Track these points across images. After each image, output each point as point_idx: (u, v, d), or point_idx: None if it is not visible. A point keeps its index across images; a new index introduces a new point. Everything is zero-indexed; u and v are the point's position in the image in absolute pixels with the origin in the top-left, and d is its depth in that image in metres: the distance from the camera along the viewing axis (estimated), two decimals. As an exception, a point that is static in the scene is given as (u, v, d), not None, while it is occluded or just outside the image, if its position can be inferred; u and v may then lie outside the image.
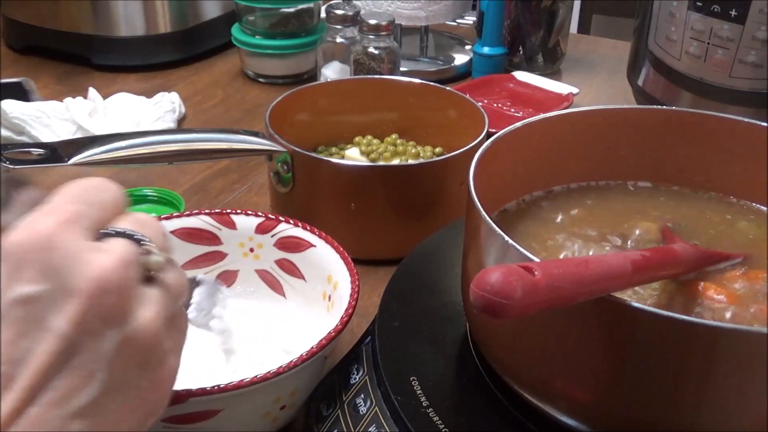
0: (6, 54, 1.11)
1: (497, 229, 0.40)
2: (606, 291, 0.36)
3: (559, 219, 0.53)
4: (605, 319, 0.38)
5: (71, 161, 0.58)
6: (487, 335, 0.46)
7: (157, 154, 0.62)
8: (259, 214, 0.58)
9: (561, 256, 0.49)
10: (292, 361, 0.45)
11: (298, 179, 0.68)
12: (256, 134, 0.67)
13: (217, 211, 0.58)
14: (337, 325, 0.48)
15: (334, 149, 0.77)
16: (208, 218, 0.58)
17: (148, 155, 0.62)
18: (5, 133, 0.82)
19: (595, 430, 0.41)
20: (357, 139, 0.77)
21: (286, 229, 0.58)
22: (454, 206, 0.66)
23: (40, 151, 0.59)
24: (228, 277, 0.60)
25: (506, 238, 0.39)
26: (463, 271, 0.48)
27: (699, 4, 0.73)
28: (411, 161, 0.74)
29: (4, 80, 0.96)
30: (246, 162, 0.83)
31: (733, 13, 0.70)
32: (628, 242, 0.50)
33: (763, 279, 0.47)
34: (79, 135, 0.83)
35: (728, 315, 0.44)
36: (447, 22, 1.14)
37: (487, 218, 0.41)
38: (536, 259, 0.37)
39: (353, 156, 0.75)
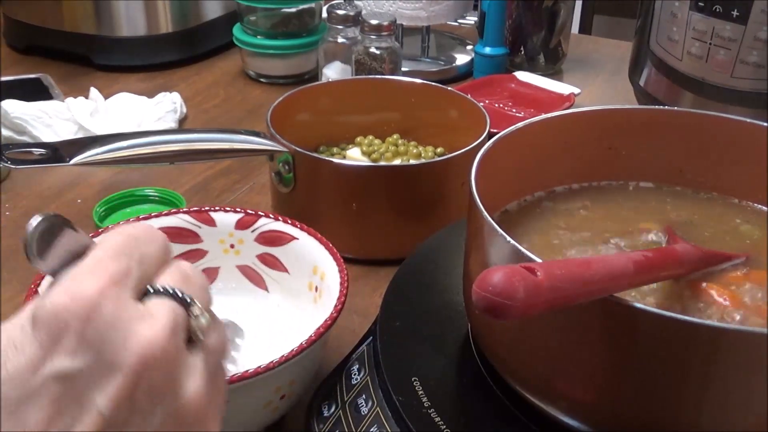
0: (8, 54, 1.11)
1: (499, 229, 0.40)
2: (608, 291, 0.36)
3: (560, 219, 0.53)
4: (607, 320, 0.38)
5: (73, 161, 0.58)
6: (488, 335, 0.46)
7: (159, 154, 0.62)
8: (239, 210, 0.58)
9: (563, 257, 0.49)
10: (292, 350, 0.45)
11: (299, 179, 0.68)
12: (257, 134, 0.67)
13: (195, 209, 0.58)
14: (332, 313, 0.48)
15: (335, 149, 0.77)
16: (187, 216, 0.58)
17: (150, 155, 0.62)
18: (7, 133, 0.82)
19: (596, 430, 0.41)
20: (358, 139, 0.77)
21: (267, 223, 0.58)
22: (456, 206, 0.66)
23: (42, 151, 0.58)
24: (209, 275, 0.59)
25: (508, 238, 0.39)
26: (464, 272, 0.48)
27: (701, 4, 0.73)
28: (412, 161, 0.74)
29: (22, 76, 0.97)
30: (247, 162, 0.83)
31: (735, 13, 0.70)
32: (630, 243, 0.50)
33: (765, 279, 0.47)
34: (80, 135, 0.83)
35: (730, 315, 0.44)
36: (448, 23, 1.14)
37: (489, 219, 0.41)
38: (538, 260, 0.37)
39: (355, 156, 0.75)
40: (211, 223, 0.58)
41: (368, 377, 0.48)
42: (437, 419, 0.43)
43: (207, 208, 0.58)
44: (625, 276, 0.37)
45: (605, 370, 0.39)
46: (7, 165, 0.56)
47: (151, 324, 0.29)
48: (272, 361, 0.44)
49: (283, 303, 0.59)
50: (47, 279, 0.46)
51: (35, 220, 0.29)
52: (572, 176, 0.56)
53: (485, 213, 0.41)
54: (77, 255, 0.31)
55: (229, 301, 0.59)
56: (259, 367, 0.44)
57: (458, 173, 0.66)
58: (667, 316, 0.35)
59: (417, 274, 0.56)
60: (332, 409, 0.48)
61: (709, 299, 0.45)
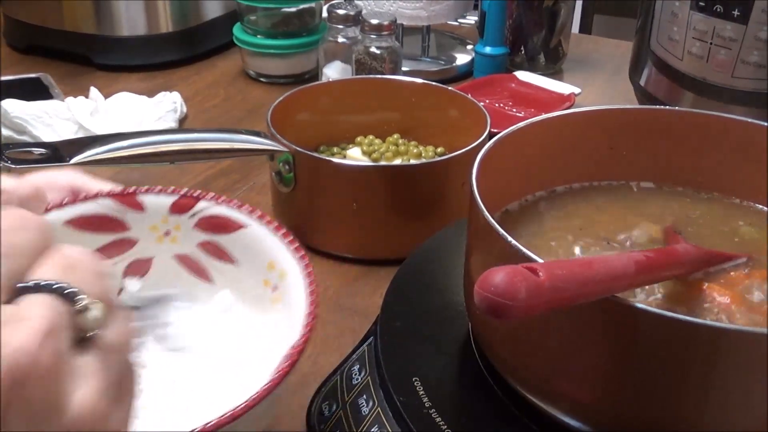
0: (8, 53, 1.11)
1: (500, 229, 0.40)
2: (609, 291, 0.36)
3: (561, 219, 0.53)
4: (608, 320, 0.37)
5: (73, 161, 0.58)
6: (489, 335, 0.46)
7: (159, 153, 0.62)
8: (173, 191, 0.50)
9: (564, 257, 0.49)
10: (248, 400, 0.37)
11: (299, 179, 0.68)
12: (257, 134, 0.67)
13: (118, 191, 0.49)
14: (299, 341, 0.40)
15: (335, 149, 0.77)
16: (108, 201, 0.49)
17: (150, 155, 0.62)
18: (6, 132, 0.82)
19: (596, 430, 0.41)
20: (359, 139, 0.77)
21: (207, 207, 0.50)
22: (456, 206, 0.66)
23: (42, 150, 0.58)
24: (140, 267, 0.52)
25: (509, 238, 0.39)
26: (465, 272, 0.48)
27: (701, 4, 0.73)
28: (413, 161, 0.74)
29: (22, 76, 0.97)
30: (247, 162, 0.83)
31: (736, 13, 0.70)
32: (631, 243, 0.50)
33: (765, 279, 0.46)
34: (80, 134, 0.83)
35: (730, 316, 0.44)
36: (449, 22, 1.14)
37: (490, 219, 0.41)
38: (540, 260, 0.37)
39: (355, 156, 0.75)
40: (139, 207, 0.50)
41: (369, 377, 0.48)
42: (438, 419, 0.43)
43: (133, 190, 0.50)
44: (626, 276, 0.37)
45: (606, 370, 0.39)
46: (7, 165, 0.56)
47: (21, 329, 0.24)
48: (224, 415, 0.36)
49: (232, 299, 0.52)
50: None
51: None
52: (573, 176, 0.56)
53: (486, 213, 0.41)
54: None
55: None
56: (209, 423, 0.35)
57: (459, 173, 0.66)
58: (668, 316, 0.35)
59: (417, 274, 0.56)
60: (333, 409, 0.48)
61: (710, 299, 0.45)
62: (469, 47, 1.11)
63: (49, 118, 0.83)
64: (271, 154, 0.68)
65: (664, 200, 0.55)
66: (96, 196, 0.48)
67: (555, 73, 1.07)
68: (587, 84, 1.03)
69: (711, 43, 0.73)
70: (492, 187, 0.46)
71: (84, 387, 0.26)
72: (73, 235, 0.47)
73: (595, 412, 0.41)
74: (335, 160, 0.71)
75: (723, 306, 0.44)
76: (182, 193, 0.50)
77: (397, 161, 0.74)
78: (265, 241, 0.48)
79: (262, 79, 1.04)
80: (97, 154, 0.60)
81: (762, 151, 0.51)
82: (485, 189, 0.44)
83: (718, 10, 0.71)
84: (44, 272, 0.27)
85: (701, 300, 0.45)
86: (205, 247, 0.51)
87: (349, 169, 0.67)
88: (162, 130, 0.81)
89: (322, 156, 0.73)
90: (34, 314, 0.25)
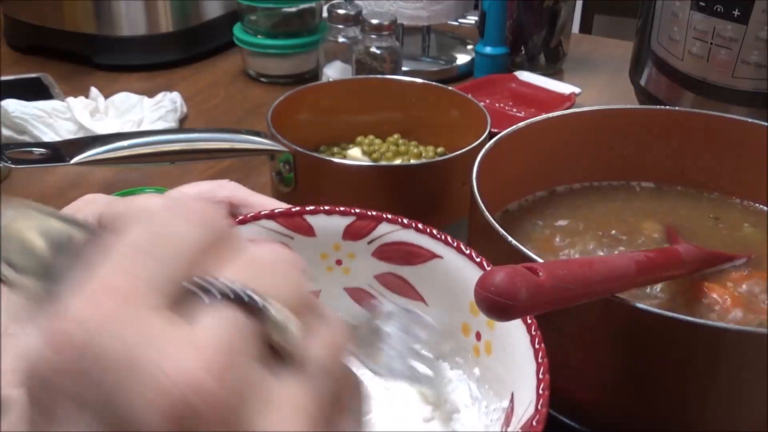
0: (8, 53, 1.11)
1: (501, 229, 0.40)
2: (610, 291, 0.36)
3: (561, 220, 0.53)
4: (609, 320, 0.37)
5: (73, 161, 0.58)
6: (489, 336, 0.45)
7: (159, 153, 0.62)
8: (348, 211, 0.42)
9: (565, 257, 0.49)
10: None
11: (300, 179, 0.68)
12: (258, 134, 0.67)
13: (283, 210, 0.41)
14: (531, 422, 0.31)
15: (336, 149, 0.77)
16: (272, 223, 0.41)
17: (150, 155, 0.62)
18: (7, 132, 0.82)
19: (597, 430, 0.41)
20: (359, 138, 0.77)
21: (390, 231, 0.41)
22: (457, 206, 0.66)
23: (42, 150, 0.58)
24: None
25: (510, 239, 0.39)
26: (465, 272, 0.48)
27: (702, 4, 0.73)
28: (413, 161, 0.74)
29: (22, 76, 0.97)
30: (248, 162, 0.83)
31: (736, 13, 0.70)
32: (632, 243, 0.50)
33: (766, 280, 0.47)
34: (80, 134, 0.83)
35: (731, 316, 0.44)
36: (449, 22, 1.14)
37: (491, 219, 0.41)
38: (540, 260, 0.37)
39: (355, 156, 0.75)
40: (309, 231, 0.42)
41: (369, 377, 0.48)
42: (438, 419, 0.43)
43: (299, 210, 0.42)
44: (626, 276, 0.37)
45: (606, 369, 0.39)
46: (7, 165, 0.56)
47: (186, 354, 0.18)
48: None
49: (411, 329, 0.38)
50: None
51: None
52: (573, 176, 0.56)
53: (487, 213, 0.41)
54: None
55: None
56: None
57: (459, 173, 0.66)
58: (669, 316, 0.35)
59: (418, 274, 0.56)
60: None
61: (711, 299, 0.45)
62: (470, 47, 1.11)
63: (49, 118, 0.83)
64: (272, 154, 0.68)
65: (664, 200, 0.55)
66: (258, 216, 0.41)
67: (555, 73, 1.07)
68: (587, 84, 1.03)
69: (711, 43, 0.73)
70: (492, 187, 0.46)
71: (278, 418, 0.20)
72: None
73: (595, 412, 0.41)
74: (335, 160, 0.71)
75: (723, 306, 0.44)
76: (358, 213, 0.42)
77: (398, 161, 0.74)
78: (464, 276, 0.38)
79: (262, 79, 1.04)
80: (97, 154, 0.60)
81: (762, 151, 0.51)
82: (485, 189, 0.44)
83: (719, 10, 0.71)
84: (227, 272, 0.21)
85: (701, 300, 0.45)
86: (386, 280, 0.42)
87: (349, 169, 0.67)
88: (162, 130, 0.81)
89: (323, 156, 0.73)
90: (207, 333, 0.19)
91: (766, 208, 0.54)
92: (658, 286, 0.45)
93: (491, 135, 0.54)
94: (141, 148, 0.61)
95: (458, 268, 0.38)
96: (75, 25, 1.04)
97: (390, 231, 0.41)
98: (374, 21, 0.88)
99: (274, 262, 0.22)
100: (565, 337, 0.40)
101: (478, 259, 0.37)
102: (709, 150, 0.54)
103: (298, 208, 0.42)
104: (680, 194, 0.56)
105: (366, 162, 0.73)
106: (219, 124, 0.93)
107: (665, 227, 0.52)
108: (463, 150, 0.66)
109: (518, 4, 1.04)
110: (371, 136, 0.77)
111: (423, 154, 0.75)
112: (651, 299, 0.45)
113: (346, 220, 0.42)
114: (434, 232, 0.40)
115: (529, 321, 0.33)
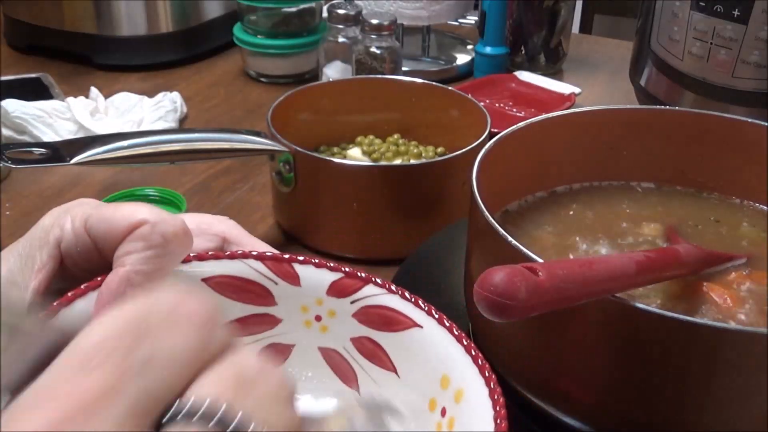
0: (8, 53, 1.11)
1: (500, 229, 0.40)
2: (610, 291, 0.36)
3: (561, 219, 0.53)
4: (609, 320, 0.37)
5: (73, 161, 0.58)
6: (489, 335, 0.46)
7: (159, 153, 0.62)
8: (337, 267, 0.41)
9: (564, 257, 0.49)
10: None
11: (300, 179, 0.68)
12: (258, 134, 0.67)
13: (272, 254, 0.41)
14: None
15: (336, 149, 0.77)
16: (259, 264, 0.41)
17: (150, 155, 0.62)
18: (7, 132, 0.82)
19: (597, 430, 0.41)
20: (359, 138, 0.77)
21: (377, 294, 0.40)
22: (456, 206, 0.66)
23: (42, 150, 0.58)
24: (277, 353, 0.42)
25: (510, 238, 0.39)
26: (465, 272, 0.48)
27: (702, 4, 0.73)
28: (413, 161, 0.74)
29: (22, 76, 0.97)
30: (248, 162, 0.83)
31: (736, 13, 0.70)
32: (632, 243, 0.50)
33: (766, 280, 0.46)
34: (80, 134, 0.83)
35: (731, 316, 0.44)
36: (449, 22, 1.14)
37: (491, 219, 0.41)
38: (540, 260, 0.37)
39: (355, 156, 0.75)
40: (294, 279, 0.41)
41: (369, 377, 0.48)
42: (438, 419, 0.43)
43: (289, 257, 0.41)
44: (626, 276, 0.37)
45: (606, 369, 0.39)
46: (7, 165, 0.56)
47: None
48: None
49: (380, 420, 0.36)
50: None
51: None
52: (573, 176, 0.56)
53: (487, 213, 0.41)
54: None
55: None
56: None
57: (459, 173, 0.66)
58: (668, 315, 0.35)
59: (417, 274, 0.56)
60: (333, 409, 0.48)
61: (711, 299, 0.45)
62: (470, 47, 1.11)
63: (49, 118, 0.83)
64: (272, 154, 0.68)
65: (664, 200, 0.55)
66: (247, 255, 0.40)
67: (555, 73, 1.07)
68: (587, 84, 1.03)
69: (711, 43, 0.73)
70: (492, 187, 0.46)
71: None
72: None
73: (595, 411, 0.41)
74: (335, 160, 0.71)
75: (723, 306, 0.44)
76: (347, 271, 0.41)
77: (398, 161, 0.74)
78: (440, 349, 0.37)
79: (262, 79, 1.04)
80: (97, 154, 0.60)
81: (762, 151, 0.51)
82: (485, 189, 0.44)
83: (719, 10, 0.71)
84: (207, 387, 0.20)
85: (701, 300, 0.45)
86: (361, 345, 0.41)
87: (349, 169, 0.67)
88: (162, 130, 0.81)
89: (323, 156, 0.73)
90: None
91: (766, 208, 0.54)
92: (659, 286, 0.45)
93: (491, 135, 0.54)
94: (141, 148, 0.61)
95: (436, 341, 0.37)
96: (75, 25, 1.04)
97: (375, 294, 0.40)
98: (374, 21, 0.88)
99: (261, 376, 0.21)
100: (565, 337, 0.40)
101: (457, 333, 0.37)
102: (709, 150, 0.54)
103: (288, 256, 0.41)
104: (680, 194, 0.56)
105: (366, 162, 0.73)
106: (219, 124, 0.93)
107: (665, 227, 0.52)
108: (463, 150, 0.66)
109: (518, 4, 1.04)
110: (371, 136, 0.77)
111: (423, 154, 0.75)
112: (651, 299, 0.45)
113: (334, 276, 0.41)
114: (420, 301, 0.39)
115: (496, 397, 0.33)
